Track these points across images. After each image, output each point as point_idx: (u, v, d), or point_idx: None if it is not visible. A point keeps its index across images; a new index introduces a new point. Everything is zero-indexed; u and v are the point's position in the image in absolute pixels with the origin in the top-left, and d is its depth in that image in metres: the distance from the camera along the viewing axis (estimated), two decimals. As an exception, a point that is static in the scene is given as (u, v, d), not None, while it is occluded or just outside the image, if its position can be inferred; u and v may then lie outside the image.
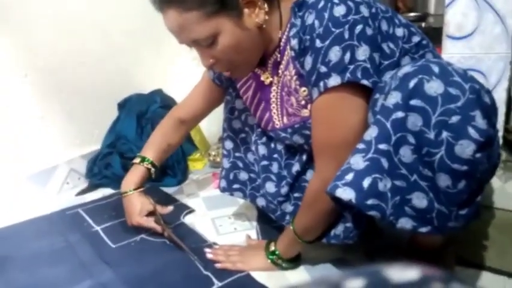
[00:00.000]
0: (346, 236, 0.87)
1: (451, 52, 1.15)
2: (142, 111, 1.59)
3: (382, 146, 0.68)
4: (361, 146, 0.70)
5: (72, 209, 1.31)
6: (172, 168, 1.53)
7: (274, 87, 0.93)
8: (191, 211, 1.28)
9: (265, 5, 0.81)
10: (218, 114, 1.78)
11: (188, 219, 1.23)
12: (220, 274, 0.93)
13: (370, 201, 0.68)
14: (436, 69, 0.65)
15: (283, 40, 0.86)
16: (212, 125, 1.78)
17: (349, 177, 0.69)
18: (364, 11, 0.74)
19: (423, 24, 1.64)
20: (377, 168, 0.68)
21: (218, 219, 1.22)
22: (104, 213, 1.26)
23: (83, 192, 1.45)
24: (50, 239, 1.13)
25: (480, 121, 0.62)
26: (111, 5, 1.58)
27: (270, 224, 1.12)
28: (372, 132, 0.69)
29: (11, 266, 1.01)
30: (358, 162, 0.69)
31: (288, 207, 0.98)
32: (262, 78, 0.94)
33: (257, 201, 1.07)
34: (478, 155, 0.63)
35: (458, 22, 1.13)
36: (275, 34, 0.86)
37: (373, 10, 0.75)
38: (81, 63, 1.50)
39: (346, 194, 0.68)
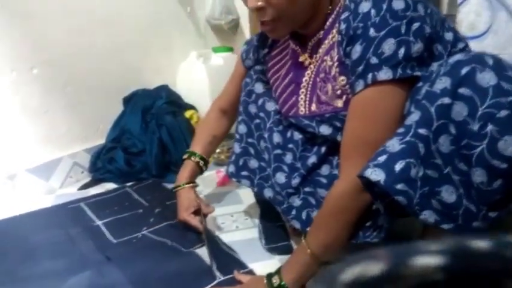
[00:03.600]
0: (368, 235, 0.79)
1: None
2: (147, 106, 1.58)
3: (422, 131, 0.65)
4: (400, 129, 0.68)
5: (74, 202, 1.30)
6: (175, 164, 1.51)
7: (309, 71, 0.89)
8: (194, 208, 1.26)
9: None
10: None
11: (190, 216, 1.21)
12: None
13: (399, 186, 0.65)
14: (490, 61, 0.63)
15: (329, 20, 0.83)
16: (217, 122, 1.76)
17: (382, 158, 0.67)
18: (421, 10, 0.71)
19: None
20: (413, 152, 0.66)
21: (221, 217, 1.20)
22: (106, 208, 1.25)
23: (86, 186, 1.45)
24: (51, 232, 1.12)
25: None
26: (122, 1, 1.57)
27: (272, 222, 1.10)
28: (413, 117, 0.67)
29: (12, 258, 1.00)
30: (394, 144, 0.67)
31: (296, 201, 0.92)
32: (300, 59, 0.90)
33: (264, 191, 1.00)
34: None
35: (471, 21, 1.11)
36: (323, 8, 0.83)
37: (429, 11, 0.73)
38: (89, 58, 1.49)
39: (375, 175, 0.66)
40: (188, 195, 1.08)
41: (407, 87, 0.72)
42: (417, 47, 0.70)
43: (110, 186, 1.45)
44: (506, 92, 0.61)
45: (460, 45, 0.79)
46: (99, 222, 1.17)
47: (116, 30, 1.57)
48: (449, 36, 0.77)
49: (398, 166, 0.65)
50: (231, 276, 0.89)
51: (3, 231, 1.14)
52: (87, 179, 1.50)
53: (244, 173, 1.05)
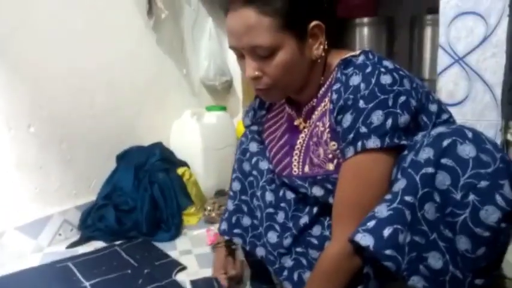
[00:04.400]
0: None
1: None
2: (141, 163, 1.60)
3: (408, 198, 0.69)
4: (388, 196, 0.72)
5: (62, 262, 1.29)
6: (166, 222, 1.52)
7: (303, 134, 0.93)
8: (183, 268, 1.25)
9: (326, 45, 0.84)
10: (215, 169, 1.80)
11: (180, 277, 1.20)
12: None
13: (388, 251, 0.68)
14: (469, 134, 0.69)
15: (322, 89, 0.88)
16: (209, 179, 1.79)
17: (371, 224, 0.70)
18: (407, 84, 0.77)
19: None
20: (400, 219, 0.69)
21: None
22: (94, 268, 1.24)
23: (74, 244, 1.43)
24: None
25: (508, 190, 0.64)
26: (120, 61, 1.65)
27: (263, 284, 1.09)
28: (400, 184, 0.71)
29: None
30: (382, 210, 0.71)
31: (288, 262, 0.93)
32: (295, 123, 0.95)
33: (257, 250, 1.00)
34: (502, 224, 0.64)
35: (449, 90, 1.18)
36: (316, 78, 0.88)
37: (414, 85, 0.79)
38: (86, 116, 1.54)
39: (365, 240, 0.69)
40: (220, 255, 1.11)
41: (394, 155, 0.76)
42: (404, 118, 0.75)
43: (99, 244, 1.43)
44: (485, 164, 0.66)
45: (444, 116, 0.85)
46: (86, 284, 1.15)
47: (114, 89, 1.63)
48: (433, 107, 0.83)
49: (386, 232, 0.68)
50: None
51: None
52: (76, 236, 1.48)
53: (236, 230, 1.06)
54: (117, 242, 1.43)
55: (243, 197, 1.06)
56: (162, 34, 1.79)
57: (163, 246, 1.41)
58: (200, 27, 1.93)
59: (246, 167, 1.06)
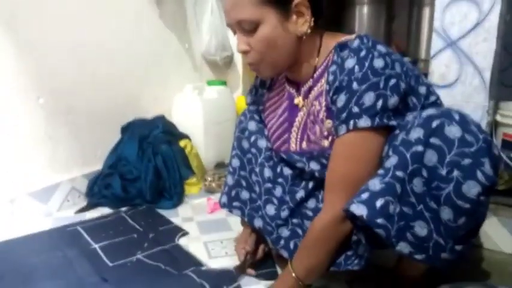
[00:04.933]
0: (349, 263, 0.89)
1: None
2: (144, 135, 1.67)
3: (399, 173, 0.76)
4: (381, 171, 0.79)
5: (71, 226, 1.37)
6: (169, 191, 1.60)
7: (301, 112, 0.99)
8: (185, 233, 1.34)
9: (312, 22, 0.89)
10: (215, 142, 1.87)
11: (182, 241, 1.29)
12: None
13: (379, 220, 0.75)
14: (456, 116, 0.75)
15: (319, 70, 0.93)
16: (209, 151, 1.87)
17: (365, 196, 0.78)
18: (398, 68, 0.82)
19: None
20: (391, 191, 0.76)
21: (210, 243, 1.28)
22: (102, 232, 1.32)
23: (82, 210, 1.51)
24: (49, 254, 1.18)
25: (488, 168, 0.71)
26: (124, 34, 1.69)
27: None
28: (392, 161, 0.78)
29: (10, 281, 1.06)
30: (375, 184, 0.78)
31: (285, 232, 1.01)
32: (295, 101, 1.00)
33: (254, 221, 1.08)
34: (481, 198, 0.72)
35: (441, 72, 1.24)
36: (311, 59, 0.93)
37: (405, 68, 0.84)
38: (91, 88, 1.59)
39: (359, 210, 0.77)
40: (251, 236, 1.14)
41: (384, 134, 0.83)
42: (393, 100, 0.81)
43: (105, 211, 1.52)
44: (469, 144, 0.73)
45: (432, 98, 0.91)
46: (95, 246, 1.24)
47: (118, 62, 1.68)
48: (423, 90, 0.89)
49: (378, 203, 0.76)
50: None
51: (1, 253, 1.20)
52: (83, 203, 1.56)
53: (236, 203, 1.14)
54: (123, 209, 1.52)
55: (242, 173, 1.13)
56: (165, 9, 1.82)
57: (166, 213, 1.50)
58: (202, 2, 1.96)
59: (245, 144, 1.13)
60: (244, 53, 0.91)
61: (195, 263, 1.14)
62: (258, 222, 1.07)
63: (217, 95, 1.91)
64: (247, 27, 0.87)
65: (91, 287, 1.03)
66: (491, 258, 1.17)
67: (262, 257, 1.13)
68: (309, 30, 0.89)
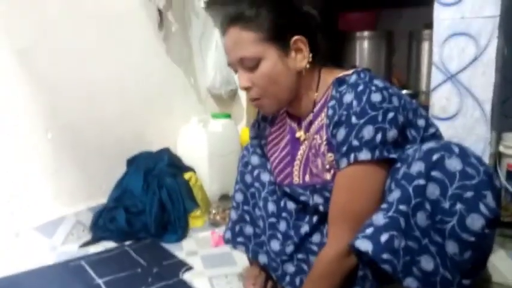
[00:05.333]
0: None
1: (438, 131, 1.26)
2: (149, 168, 1.68)
3: (402, 207, 0.76)
4: (384, 205, 0.79)
5: (75, 260, 1.37)
6: (173, 225, 1.59)
7: (303, 146, 1.01)
8: (189, 268, 1.33)
9: (310, 58, 0.92)
10: (220, 174, 1.88)
11: (186, 277, 1.27)
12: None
13: (385, 256, 0.75)
14: (456, 149, 0.76)
15: (318, 105, 0.96)
16: (214, 184, 1.87)
17: (369, 231, 0.77)
18: (396, 101, 0.84)
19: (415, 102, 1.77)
20: (395, 226, 0.76)
21: (215, 278, 1.26)
22: (106, 267, 1.31)
23: (87, 244, 1.51)
24: (53, 289, 1.18)
25: (491, 200, 0.72)
26: (131, 70, 1.74)
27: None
28: (395, 195, 0.78)
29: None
30: (378, 219, 0.78)
31: (290, 268, 1.01)
32: (297, 135, 1.02)
33: (259, 257, 1.07)
34: (486, 230, 0.72)
35: (442, 105, 1.26)
36: (310, 93, 0.96)
37: (402, 102, 0.86)
38: (98, 123, 1.63)
39: (364, 245, 0.76)
40: (255, 268, 1.15)
41: (385, 166, 0.84)
42: (392, 133, 0.82)
43: (110, 244, 1.51)
44: (470, 176, 0.73)
45: (432, 130, 0.92)
46: (99, 281, 1.23)
47: (126, 98, 1.72)
48: (421, 122, 0.90)
49: (383, 238, 0.76)
50: None
51: None
52: (87, 236, 1.56)
53: (240, 239, 1.14)
54: (127, 243, 1.51)
55: (246, 207, 1.14)
56: (172, 45, 1.88)
57: (170, 247, 1.49)
58: (207, 38, 2.02)
59: (248, 179, 1.13)
60: (247, 89, 0.94)
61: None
62: (262, 258, 1.07)
63: (221, 128, 1.93)
64: (249, 64, 0.91)
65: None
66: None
67: None
68: (307, 66, 0.92)
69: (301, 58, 0.92)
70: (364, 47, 2.03)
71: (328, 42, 0.99)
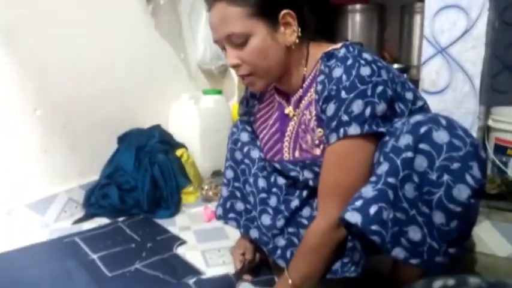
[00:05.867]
0: (346, 270, 0.90)
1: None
2: (141, 145, 1.68)
3: (391, 180, 0.78)
4: (373, 178, 0.80)
5: (69, 237, 1.38)
6: (166, 201, 1.61)
7: (292, 122, 1.00)
8: (183, 242, 1.35)
9: (299, 33, 0.91)
10: (212, 150, 1.88)
11: (180, 251, 1.30)
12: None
13: (373, 227, 0.77)
14: (443, 122, 0.77)
15: (308, 80, 0.95)
16: (206, 160, 1.88)
17: (358, 203, 0.79)
18: (384, 75, 0.84)
19: (405, 76, 1.77)
20: (384, 198, 0.77)
21: (208, 251, 1.29)
22: (100, 242, 1.33)
23: (80, 220, 1.52)
24: (48, 266, 1.19)
25: (476, 171, 0.74)
26: (120, 46, 1.71)
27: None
28: (383, 167, 0.79)
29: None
30: (368, 191, 0.79)
31: (281, 241, 1.02)
32: (286, 111, 1.02)
33: (250, 232, 1.09)
34: (471, 200, 0.74)
35: (432, 79, 1.27)
36: (299, 69, 0.95)
37: (391, 75, 0.86)
38: (88, 99, 1.60)
39: (354, 217, 0.78)
40: (248, 245, 1.14)
41: (374, 140, 0.85)
42: (381, 106, 0.83)
43: (103, 221, 1.52)
44: (457, 148, 0.75)
45: (419, 103, 0.93)
46: (94, 256, 1.24)
47: (115, 74, 1.70)
48: (409, 95, 0.91)
49: (372, 210, 0.77)
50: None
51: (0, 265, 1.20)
52: (80, 213, 1.57)
53: (231, 215, 1.15)
54: (120, 219, 1.52)
55: (236, 184, 1.14)
56: (160, 19, 1.84)
57: (163, 222, 1.51)
58: (197, 12, 1.98)
59: (238, 155, 1.14)
60: (236, 66, 0.92)
61: (193, 271, 1.15)
62: (254, 233, 1.08)
63: (213, 104, 1.93)
64: (237, 41, 0.88)
65: (90, 297, 1.04)
66: (484, 261, 1.19)
67: (258, 264, 1.14)
68: (297, 40, 0.91)
69: (290, 33, 0.90)
70: (356, 20, 2.01)
71: (319, 16, 0.97)
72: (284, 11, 0.88)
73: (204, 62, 2.02)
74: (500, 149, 1.36)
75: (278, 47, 0.90)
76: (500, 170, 1.34)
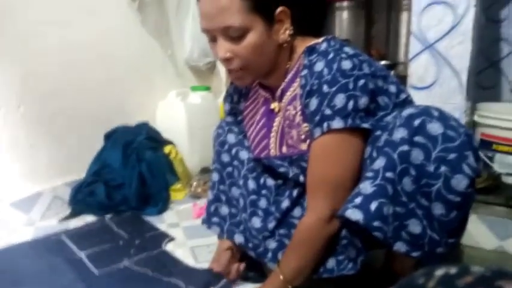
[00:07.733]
0: (343, 268, 0.89)
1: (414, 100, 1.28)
2: (128, 141, 1.66)
3: (389, 174, 0.77)
4: (370, 174, 0.80)
5: (55, 235, 1.35)
6: (154, 198, 1.59)
7: (278, 118, 1.00)
8: (171, 239, 1.33)
9: (291, 31, 0.90)
10: (200, 147, 1.87)
11: (169, 247, 1.28)
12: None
13: (376, 223, 0.76)
14: (436, 113, 0.78)
15: (290, 74, 0.94)
16: (194, 157, 1.86)
17: (358, 200, 0.78)
18: (366, 68, 0.84)
19: (392, 72, 1.78)
20: (383, 193, 0.77)
21: (197, 248, 1.28)
22: (87, 240, 1.30)
23: (66, 218, 1.49)
24: (34, 264, 1.16)
25: (472, 160, 0.75)
26: (106, 41, 1.69)
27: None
28: (380, 162, 0.79)
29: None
30: (366, 187, 0.79)
31: (272, 244, 0.98)
32: (271, 106, 1.01)
33: (235, 237, 1.05)
34: (469, 190, 0.75)
35: (420, 75, 1.28)
36: (284, 63, 0.94)
37: (373, 69, 0.86)
38: (73, 95, 1.58)
39: (355, 215, 0.77)
40: (229, 255, 1.07)
41: (360, 134, 0.85)
42: (363, 100, 0.82)
43: (90, 218, 1.50)
44: (452, 139, 0.75)
45: (403, 96, 0.92)
46: (81, 254, 1.22)
47: (101, 70, 1.67)
48: (393, 88, 0.90)
49: (373, 206, 0.77)
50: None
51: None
52: (66, 211, 1.54)
53: (214, 219, 1.11)
54: (108, 216, 1.50)
55: (221, 187, 1.11)
56: (147, 15, 1.82)
57: (151, 219, 1.49)
58: (184, 8, 1.96)
59: (225, 158, 1.10)
60: (226, 60, 0.89)
61: (183, 268, 1.14)
62: (239, 238, 1.05)
63: (201, 100, 1.91)
64: (234, 34, 0.86)
65: (77, 295, 1.02)
66: (471, 255, 1.20)
67: (235, 277, 1.07)
68: (289, 38, 0.90)
69: (283, 30, 0.89)
70: (343, 17, 2.02)
71: (312, 13, 0.97)
72: (280, 8, 0.87)
73: (192, 59, 2.01)
74: (486, 144, 1.39)
75: (271, 44, 0.89)
76: (486, 165, 1.36)
